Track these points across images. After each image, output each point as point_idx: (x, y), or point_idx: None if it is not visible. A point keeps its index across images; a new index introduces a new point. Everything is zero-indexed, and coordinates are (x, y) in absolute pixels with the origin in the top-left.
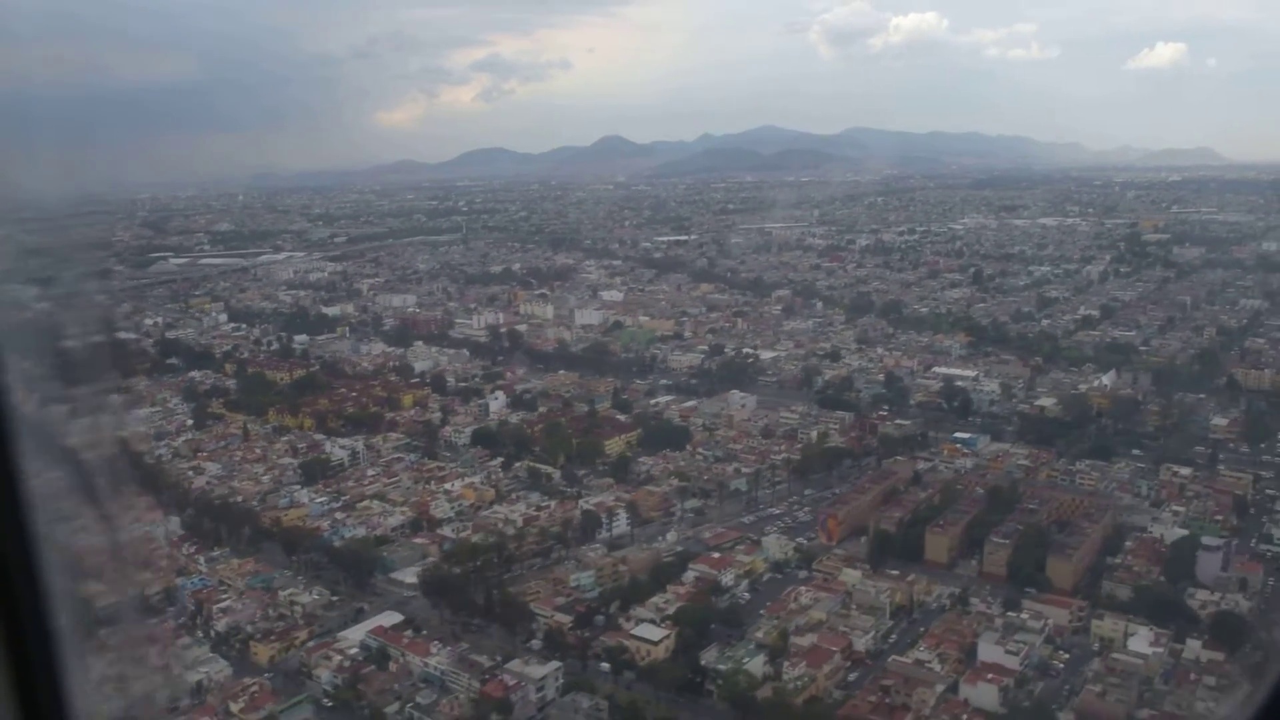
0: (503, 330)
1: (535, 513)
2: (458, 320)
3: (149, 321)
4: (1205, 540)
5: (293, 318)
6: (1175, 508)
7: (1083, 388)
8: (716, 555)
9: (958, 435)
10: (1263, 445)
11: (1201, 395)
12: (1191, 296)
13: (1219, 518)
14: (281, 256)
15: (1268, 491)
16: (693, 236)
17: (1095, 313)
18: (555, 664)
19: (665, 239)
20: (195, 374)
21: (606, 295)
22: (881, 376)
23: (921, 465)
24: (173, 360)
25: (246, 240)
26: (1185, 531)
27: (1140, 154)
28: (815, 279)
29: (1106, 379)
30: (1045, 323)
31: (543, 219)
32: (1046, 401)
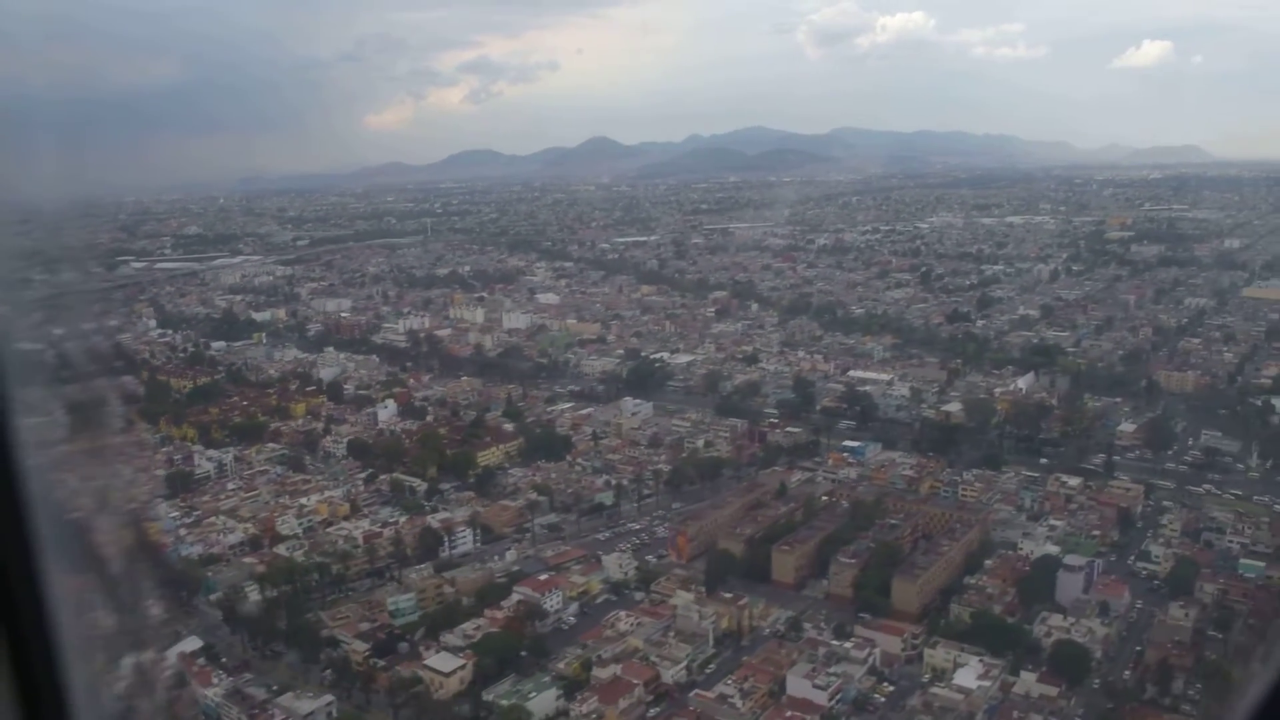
0: (423, 335)
1: (380, 529)
2: (385, 325)
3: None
4: (1068, 560)
5: (220, 323)
6: (1054, 522)
7: (997, 391)
8: (545, 577)
9: (846, 444)
10: (1168, 453)
11: (1117, 399)
12: (1138, 295)
13: (1097, 533)
14: (237, 260)
15: (1163, 503)
16: (653, 237)
17: (1034, 313)
18: (328, 698)
19: (624, 240)
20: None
21: (543, 298)
22: (791, 381)
23: (801, 476)
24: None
25: (210, 244)
26: (1056, 549)
27: (1127, 152)
28: (761, 280)
29: (1023, 382)
30: (981, 323)
31: (511, 220)
32: (953, 407)
